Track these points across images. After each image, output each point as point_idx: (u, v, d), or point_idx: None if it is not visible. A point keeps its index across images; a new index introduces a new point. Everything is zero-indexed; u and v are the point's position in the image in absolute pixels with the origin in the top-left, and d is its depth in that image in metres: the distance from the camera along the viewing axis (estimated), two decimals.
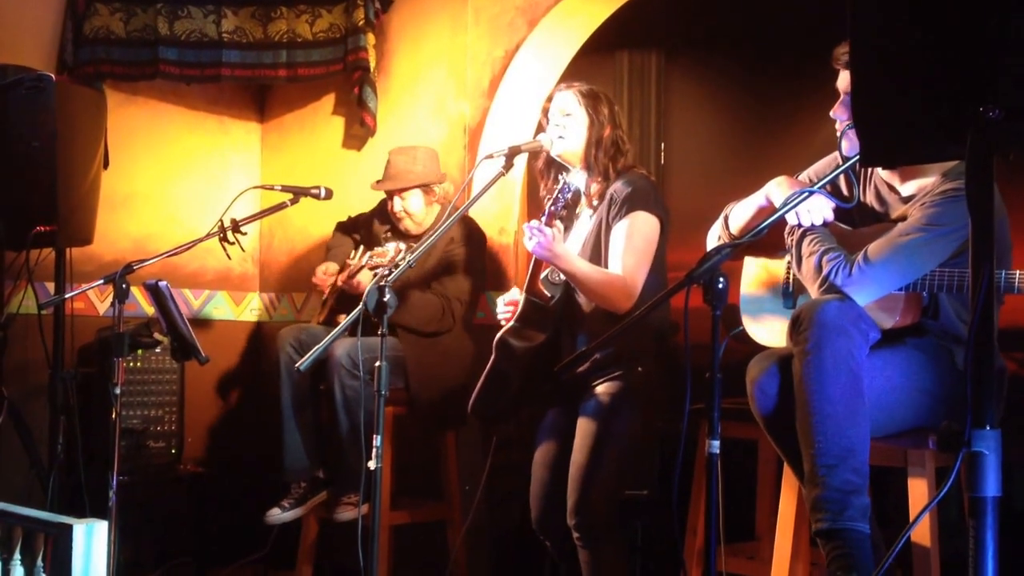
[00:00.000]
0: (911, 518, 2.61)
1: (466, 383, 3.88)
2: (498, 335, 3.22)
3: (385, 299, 2.69)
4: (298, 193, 3.88)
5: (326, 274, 4.08)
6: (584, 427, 3.11)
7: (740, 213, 2.94)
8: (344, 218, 4.40)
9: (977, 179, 1.69)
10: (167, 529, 4.31)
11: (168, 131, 4.93)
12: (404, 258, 3.47)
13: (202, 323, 4.92)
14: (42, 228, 3.69)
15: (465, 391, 3.88)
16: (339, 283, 3.98)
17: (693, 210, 3.66)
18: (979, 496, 1.66)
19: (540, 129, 3.39)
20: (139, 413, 4.32)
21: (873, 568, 2.35)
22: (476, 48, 4.33)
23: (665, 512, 3.58)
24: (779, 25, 4.50)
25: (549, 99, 3.35)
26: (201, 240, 3.68)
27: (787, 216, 2.63)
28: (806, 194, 2.47)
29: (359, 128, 4.65)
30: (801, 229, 2.69)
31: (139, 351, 4.28)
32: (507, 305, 3.26)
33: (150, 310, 3.97)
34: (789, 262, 2.86)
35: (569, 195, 3.03)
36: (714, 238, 3.06)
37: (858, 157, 2.30)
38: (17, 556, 2.43)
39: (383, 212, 4.15)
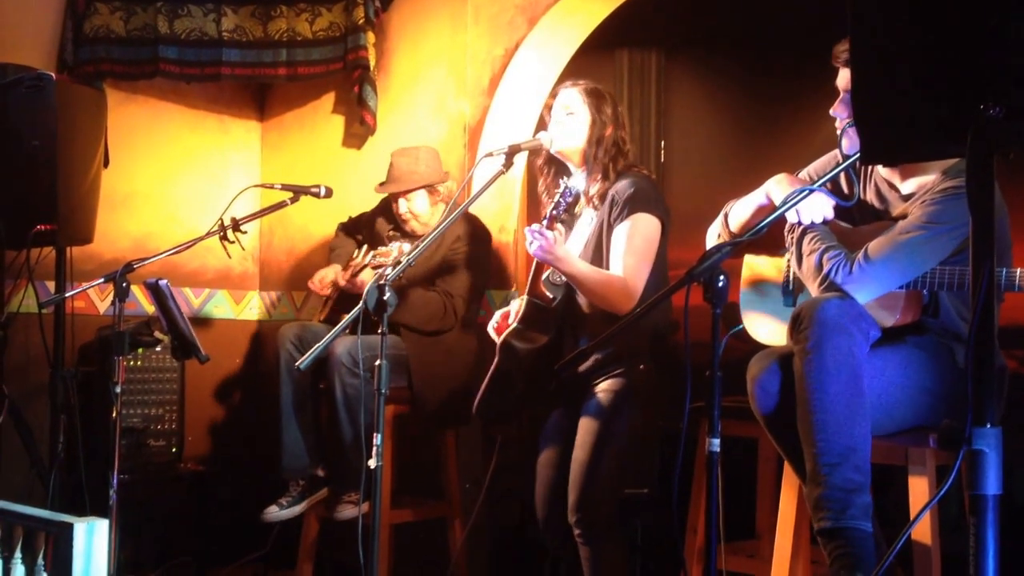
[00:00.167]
0: (912, 516, 2.61)
1: (469, 381, 3.88)
2: (501, 337, 3.25)
3: (385, 298, 2.69)
4: (298, 192, 3.88)
5: (322, 283, 4.08)
6: (585, 425, 3.13)
7: (740, 211, 2.94)
8: (345, 218, 4.40)
9: (977, 177, 1.69)
10: (168, 528, 4.31)
11: (168, 130, 4.93)
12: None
13: (202, 322, 4.92)
14: (42, 227, 3.69)
15: (468, 390, 3.89)
16: (342, 282, 3.98)
17: (693, 208, 3.66)
18: (980, 494, 1.66)
19: (543, 125, 3.40)
20: (139, 412, 4.32)
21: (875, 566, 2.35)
22: (476, 47, 4.33)
23: (665, 511, 3.58)
24: (779, 24, 4.50)
25: (553, 96, 3.36)
26: (201, 239, 3.68)
27: (787, 214, 2.63)
28: (806, 192, 2.47)
29: (359, 127, 4.65)
30: (801, 227, 2.69)
31: (139, 350, 4.28)
32: (500, 318, 3.31)
33: (150, 309, 3.97)
34: (789, 260, 2.86)
35: (570, 199, 3.05)
36: (714, 236, 3.06)
37: (858, 155, 2.30)
38: (18, 555, 2.44)
39: (385, 211, 4.14)
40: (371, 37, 4.51)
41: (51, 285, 4.13)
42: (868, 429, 2.46)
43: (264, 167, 5.17)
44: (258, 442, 4.63)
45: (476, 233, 3.95)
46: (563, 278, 3.18)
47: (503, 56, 4.24)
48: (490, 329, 3.36)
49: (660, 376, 3.17)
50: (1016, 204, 2.70)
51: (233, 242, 3.69)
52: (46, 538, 2.40)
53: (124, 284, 3.28)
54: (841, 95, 2.75)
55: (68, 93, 3.85)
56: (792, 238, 2.73)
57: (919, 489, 2.61)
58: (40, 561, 2.41)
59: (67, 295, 3.71)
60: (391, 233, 4.08)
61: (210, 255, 4.87)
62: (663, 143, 5.04)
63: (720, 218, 3.02)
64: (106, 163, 4.15)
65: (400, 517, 3.92)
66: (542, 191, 3.38)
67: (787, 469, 2.82)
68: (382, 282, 2.71)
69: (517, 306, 3.29)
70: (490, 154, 3.18)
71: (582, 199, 3.34)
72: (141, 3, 4.61)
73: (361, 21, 4.50)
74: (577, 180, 3.27)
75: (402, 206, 3.98)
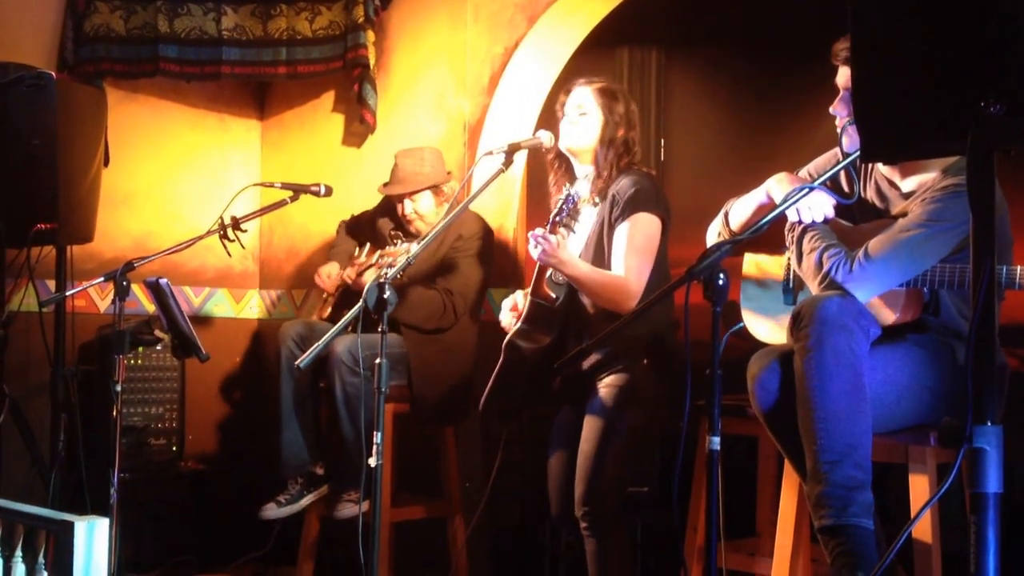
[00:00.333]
0: (912, 514, 2.61)
1: (469, 379, 3.88)
2: (507, 337, 3.29)
3: (385, 296, 2.69)
4: (298, 190, 3.89)
5: (329, 278, 4.08)
6: (590, 420, 3.19)
7: (740, 209, 2.94)
8: (346, 217, 4.40)
9: (978, 175, 1.69)
10: (168, 526, 4.32)
11: (168, 129, 4.93)
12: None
13: (202, 320, 4.92)
14: (43, 226, 3.69)
15: (468, 388, 3.89)
16: (348, 280, 3.98)
17: (693, 206, 3.66)
18: (980, 492, 1.66)
19: (543, 123, 3.41)
20: (140, 410, 4.32)
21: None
22: (476, 45, 4.33)
23: (666, 509, 3.58)
24: (779, 22, 4.50)
25: (567, 92, 3.36)
26: (201, 237, 3.68)
27: (788, 212, 2.63)
28: (806, 190, 2.47)
29: (359, 125, 4.65)
30: (802, 225, 2.69)
31: (140, 348, 4.28)
32: (511, 311, 3.33)
33: (151, 308, 3.97)
34: (789, 258, 2.86)
35: (572, 205, 3.06)
36: (714, 234, 3.06)
37: (858, 153, 2.30)
38: (19, 553, 2.44)
39: (386, 210, 4.14)
40: (371, 36, 4.51)
41: (51, 284, 4.13)
42: (869, 427, 2.46)
43: (264, 166, 5.17)
44: (259, 441, 4.63)
45: (477, 231, 3.94)
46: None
47: (503, 54, 4.24)
48: (504, 316, 3.35)
49: (660, 375, 3.20)
50: (1017, 201, 2.70)
51: (233, 241, 3.69)
52: (47, 537, 2.41)
53: (124, 283, 3.29)
54: (841, 93, 2.75)
55: (68, 92, 3.85)
56: (792, 236, 2.73)
57: (920, 487, 2.61)
58: (41, 560, 2.41)
59: (67, 294, 3.72)
60: (392, 232, 4.08)
61: (210, 254, 4.87)
62: (663, 141, 5.04)
63: (720, 216, 3.02)
64: (106, 162, 4.16)
65: (400, 515, 3.92)
66: (552, 184, 3.41)
67: (788, 467, 2.82)
68: (382, 281, 2.71)
69: (522, 299, 3.31)
70: (490, 152, 3.19)
71: (585, 197, 3.34)
72: (141, 2, 4.61)
73: (361, 20, 4.50)
74: (581, 184, 3.28)
75: (407, 207, 3.97)
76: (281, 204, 3.87)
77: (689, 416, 2.31)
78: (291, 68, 4.68)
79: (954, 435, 1.69)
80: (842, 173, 2.83)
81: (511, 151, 3.15)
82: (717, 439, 2.22)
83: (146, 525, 4.16)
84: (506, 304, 3.37)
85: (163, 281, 3.33)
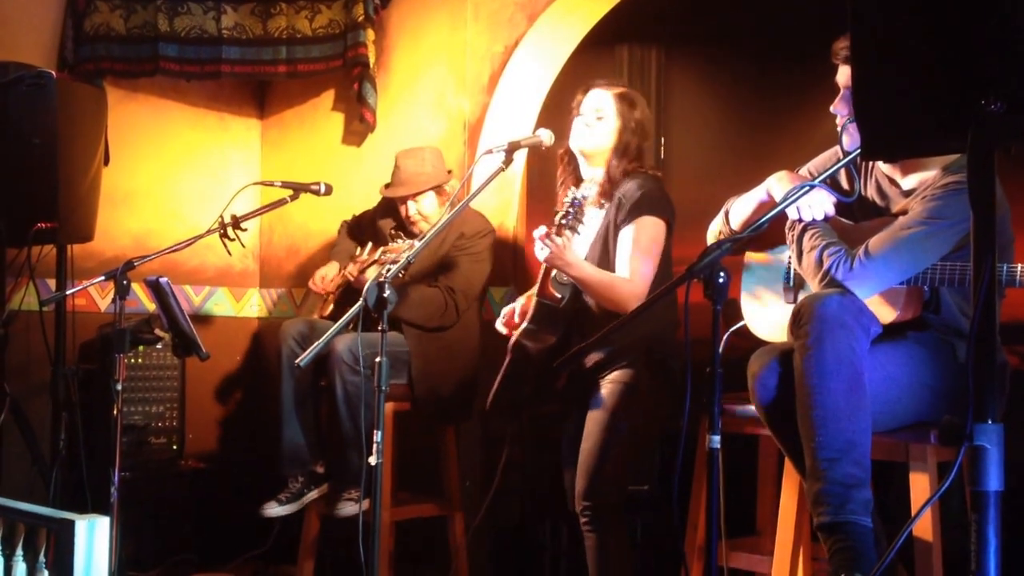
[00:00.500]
0: (913, 513, 2.61)
1: (470, 378, 3.88)
2: (513, 337, 3.32)
3: (385, 295, 2.69)
4: (298, 189, 3.88)
5: (324, 280, 4.08)
6: (592, 417, 3.23)
7: (741, 208, 2.94)
8: (346, 215, 4.40)
9: (978, 173, 1.69)
10: (169, 525, 4.32)
11: (168, 128, 4.93)
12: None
13: (203, 319, 4.92)
14: (43, 225, 3.70)
15: (469, 386, 3.89)
16: (350, 277, 3.98)
17: (693, 205, 3.65)
18: (981, 490, 1.66)
19: (543, 121, 3.41)
20: (140, 409, 4.32)
21: (875, 562, 2.35)
22: (475, 44, 4.33)
23: (666, 507, 3.59)
24: (779, 20, 4.50)
25: (585, 91, 3.36)
26: (201, 236, 3.68)
27: (788, 211, 2.63)
28: (807, 188, 2.47)
29: (359, 124, 4.65)
30: (802, 224, 2.69)
31: (140, 347, 4.28)
32: (503, 325, 3.39)
33: (151, 306, 3.97)
34: (790, 257, 2.86)
35: (579, 207, 3.07)
36: (714, 233, 3.06)
37: (859, 151, 2.30)
38: (19, 552, 2.44)
39: (387, 210, 4.14)
40: (371, 34, 4.51)
41: (52, 283, 4.14)
42: (868, 424, 2.46)
43: (264, 164, 5.17)
44: (259, 439, 4.63)
45: (480, 229, 3.94)
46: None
47: (503, 53, 4.24)
48: (499, 326, 3.41)
49: (661, 373, 3.21)
50: (1017, 199, 2.70)
51: (233, 239, 3.69)
52: (48, 535, 2.41)
53: (125, 282, 3.29)
54: (841, 92, 2.75)
55: (69, 91, 3.85)
56: (793, 235, 2.73)
57: (920, 485, 2.61)
58: (42, 558, 2.41)
59: (68, 293, 3.72)
60: (393, 232, 4.07)
61: (210, 253, 4.87)
62: (663, 140, 5.04)
63: (721, 215, 3.02)
64: (106, 161, 4.16)
65: (400, 514, 3.92)
66: (559, 184, 3.42)
67: (788, 465, 2.82)
68: (382, 279, 2.72)
69: (523, 303, 3.34)
70: (490, 151, 3.19)
71: (591, 199, 3.35)
72: (141, 1, 4.61)
73: (361, 18, 4.50)
74: (588, 186, 3.29)
75: (411, 208, 3.97)
76: (281, 203, 3.87)
77: (689, 415, 2.31)
78: (291, 67, 4.68)
79: (955, 433, 1.68)
80: (842, 171, 2.83)
81: (511, 149, 3.15)
82: (717, 437, 2.22)
83: (147, 523, 4.16)
84: (504, 312, 3.41)
85: (163, 280, 3.33)
